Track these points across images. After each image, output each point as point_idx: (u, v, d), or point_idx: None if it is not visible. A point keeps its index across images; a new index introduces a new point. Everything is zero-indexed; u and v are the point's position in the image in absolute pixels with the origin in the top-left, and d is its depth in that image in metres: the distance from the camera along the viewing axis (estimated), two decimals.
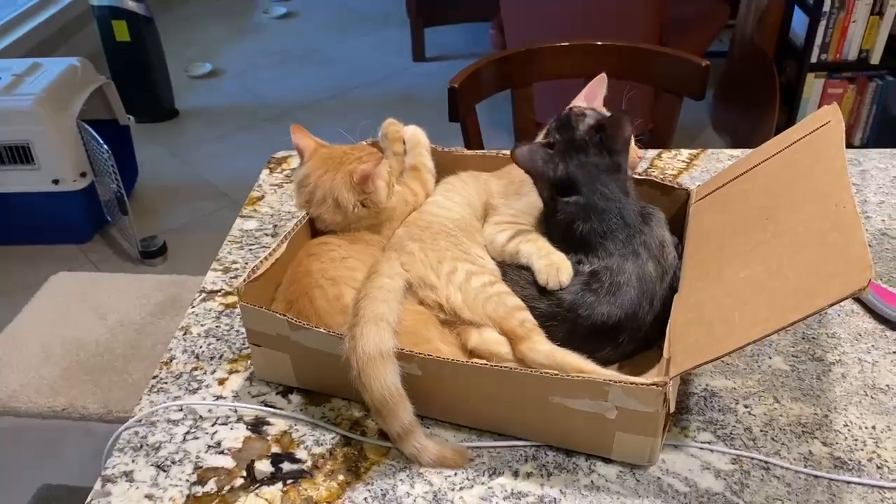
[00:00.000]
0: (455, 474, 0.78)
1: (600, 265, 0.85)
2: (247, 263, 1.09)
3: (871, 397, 0.85)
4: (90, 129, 2.60)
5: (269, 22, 4.78)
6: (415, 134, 1.06)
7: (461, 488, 0.77)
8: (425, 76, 4.07)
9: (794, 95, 2.99)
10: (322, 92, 3.91)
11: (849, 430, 0.81)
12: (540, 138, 0.97)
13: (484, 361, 0.82)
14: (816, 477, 0.76)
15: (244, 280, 0.84)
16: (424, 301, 0.87)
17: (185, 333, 0.98)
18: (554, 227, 0.90)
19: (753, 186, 0.88)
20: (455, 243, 0.92)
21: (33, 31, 3.69)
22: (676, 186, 0.99)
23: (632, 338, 0.85)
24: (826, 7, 2.77)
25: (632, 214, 0.87)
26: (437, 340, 0.84)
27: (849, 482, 0.76)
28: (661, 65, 1.67)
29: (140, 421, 0.86)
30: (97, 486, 0.79)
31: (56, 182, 2.63)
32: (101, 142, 2.54)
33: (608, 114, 0.96)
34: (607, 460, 0.79)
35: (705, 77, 1.63)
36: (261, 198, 1.23)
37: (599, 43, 1.70)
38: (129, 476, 0.80)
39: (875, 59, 2.87)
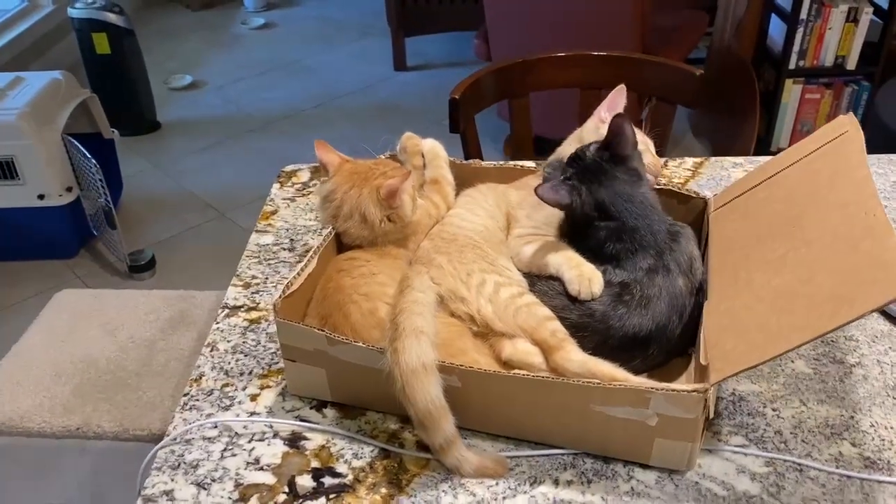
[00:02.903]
0: (496, 484, 0.79)
1: (629, 278, 0.87)
2: (266, 278, 1.09)
3: (894, 398, 0.87)
4: (76, 143, 2.57)
5: (248, 33, 4.76)
6: (433, 147, 1.07)
7: (504, 498, 0.78)
8: (407, 85, 4.08)
9: (772, 101, 3.05)
10: (304, 102, 3.91)
11: (875, 430, 0.84)
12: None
13: (523, 372, 0.83)
14: (849, 477, 0.79)
15: (280, 296, 0.85)
16: (456, 313, 0.88)
17: (211, 350, 0.98)
18: (583, 243, 0.91)
19: (775, 195, 0.91)
20: (481, 255, 0.93)
21: (10, 43, 3.64)
22: (694, 195, 1.02)
23: (661, 349, 0.87)
24: (803, 15, 2.83)
25: (663, 231, 0.89)
26: (472, 352, 0.85)
27: (880, 481, 0.78)
28: (655, 74, 1.70)
29: (175, 439, 0.86)
30: (138, 503, 0.79)
31: (41, 197, 2.60)
32: (89, 156, 2.51)
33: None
34: (645, 466, 0.80)
35: (699, 86, 1.66)
36: (274, 212, 1.24)
37: (595, 53, 1.73)
38: (169, 495, 0.80)
39: (851, 65, 2.95)
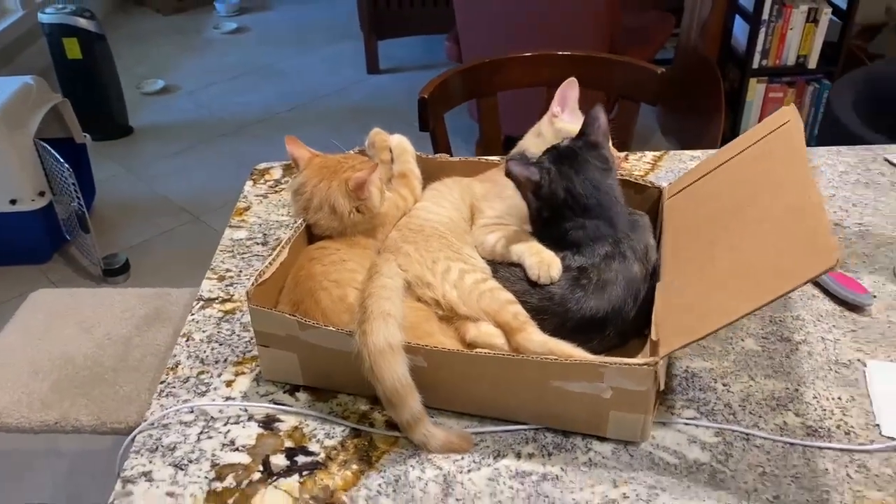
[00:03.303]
0: (462, 458, 0.84)
1: (587, 263, 0.91)
2: (240, 271, 1.13)
3: (836, 372, 0.93)
4: (49, 148, 2.58)
5: (220, 38, 4.77)
6: (401, 143, 1.11)
7: (469, 471, 0.82)
8: (380, 88, 4.12)
9: (737, 100, 3.13)
10: (277, 106, 3.93)
11: (817, 401, 0.89)
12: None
13: (486, 350, 0.87)
14: (792, 444, 0.84)
15: (252, 285, 0.88)
16: (422, 298, 0.92)
17: (187, 340, 1.01)
18: (545, 232, 0.96)
19: (723, 182, 0.96)
20: (447, 244, 0.98)
21: None
22: (649, 185, 1.07)
23: (617, 331, 0.92)
24: (765, 15, 2.91)
25: (623, 221, 0.94)
26: (438, 334, 0.89)
27: (821, 447, 0.83)
28: (619, 73, 1.76)
29: (153, 424, 0.89)
30: (117, 487, 0.82)
31: (13, 202, 2.60)
32: (62, 160, 2.52)
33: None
34: (602, 439, 0.85)
35: (661, 84, 1.72)
36: (247, 208, 1.27)
37: (560, 53, 1.78)
38: (148, 476, 0.83)
39: (812, 63, 3.03)
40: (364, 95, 4.04)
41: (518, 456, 0.84)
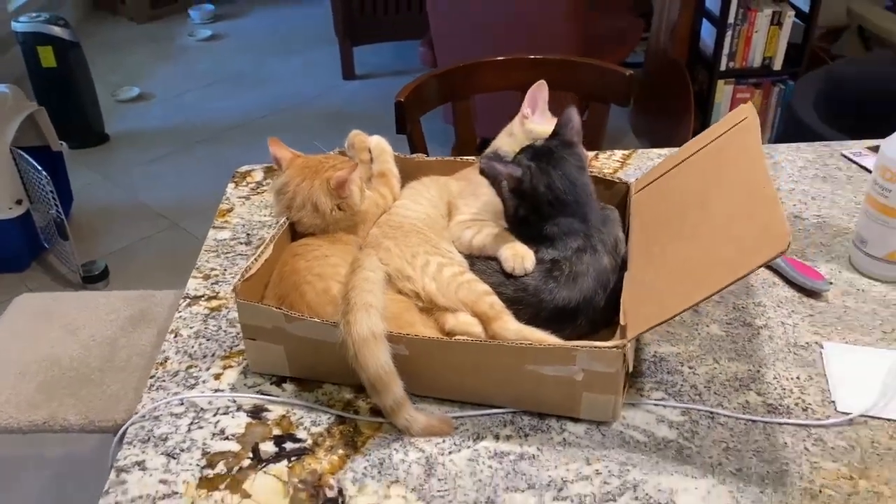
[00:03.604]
0: (443, 441, 0.88)
1: (560, 256, 0.96)
2: (225, 270, 1.16)
3: (794, 353, 0.98)
4: (26, 156, 2.59)
5: (196, 45, 4.79)
6: (379, 143, 1.15)
7: (450, 453, 0.86)
8: (355, 93, 4.16)
9: (706, 101, 3.21)
10: (254, 112, 3.95)
11: (777, 381, 0.94)
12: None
13: (465, 338, 0.91)
14: (753, 421, 0.89)
15: (239, 280, 0.92)
16: (402, 291, 0.97)
17: (175, 336, 1.04)
18: (519, 227, 1.00)
19: (685, 177, 1.01)
20: (425, 239, 1.02)
21: None
22: (617, 181, 1.12)
23: (588, 320, 0.96)
24: (731, 19, 2.99)
25: (596, 217, 0.99)
26: (419, 325, 0.93)
27: (780, 423, 0.89)
28: (589, 75, 1.81)
29: (144, 416, 0.92)
30: (112, 476, 0.85)
31: None
32: (39, 168, 2.53)
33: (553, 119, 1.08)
34: (576, 420, 0.90)
35: (630, 86, 1.78)
36: (230, 210, 1.30)
37: (532, 57, 1.84)
38: (141, 465, 0.86)
39: (777, 65, 3.12)
40: (340, 100, 4.08)
41: (496, 438, 0.88)
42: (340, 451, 0.87)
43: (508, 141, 1.13)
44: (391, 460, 0.86)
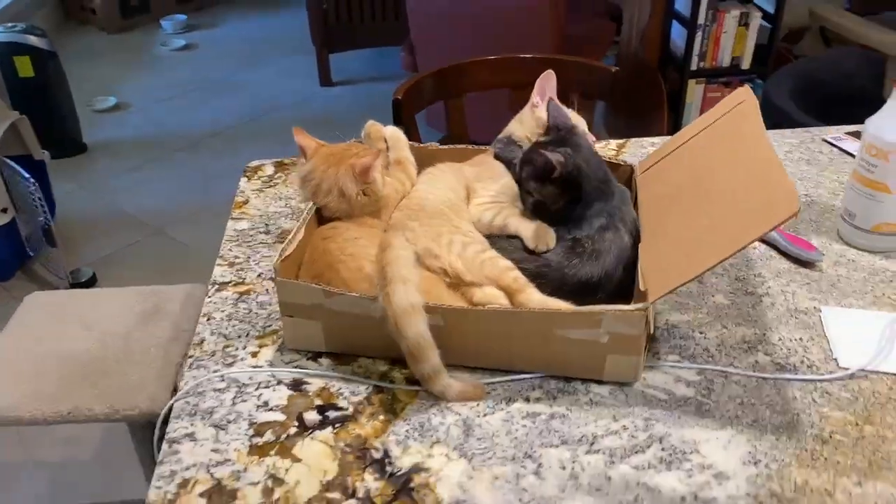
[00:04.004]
0: (477, 405, 0.93)
1: (582, 234, 1.01)
2: (248, 258, 1.20)
3: (795, 318, 1.06)
4: (11, 164, 2.59)
5: (170, 54, 4.79)
6: (394, 133, 1.20)
7: (485, 415, 0.92)
8: (333, 100, 4.20)
9: (678, 100, 3.32)
10: (231, 120, 3.97)
11: (782, 343, 1.01)
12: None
13: (497, 305, 0.97)
14: (764, 379, 0.96)
15: (278, 260, 0.96)
16: (430, 268, 1.02)
17: (208, 319, 1.08)
18: (542, 209, 1.04)
19: (689, 157, 1.08)
20: (447, 220, 1.07)
21: None
22: (622, 163, 1.19)
23: (606, 294, 1.02)
24: (701, 20, 3.10)
25: (617, 195, 1.04)
26: (448, 299, 0.98)
27: (788, 379, 0.96)
28: (576, 73, 1.88)
29: (188, 392, 0.96)
30: (164, 447, 0.89)
31: None
32: (26, 175, 2.54)
33: (566, 110, 1.14)
34: (600, 382, 0.96)
35: (616, 82, 1.86)
36: (245, 202, 1.35)
37: (522, 56, 1.91)
38: (191, 437, 0.90)
39: (745, 64, 3.24)
40: (318, 107, 4.12)
41: (527, 400, 0.94)
42: (381, 417, 0.92)
43: (519, 127, 1.19)
44: (430, 423, 0.91)
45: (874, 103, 1.15)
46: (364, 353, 1.00)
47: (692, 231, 0.94)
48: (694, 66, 3.23)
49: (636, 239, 1.03)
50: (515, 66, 1.90)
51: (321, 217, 1.10)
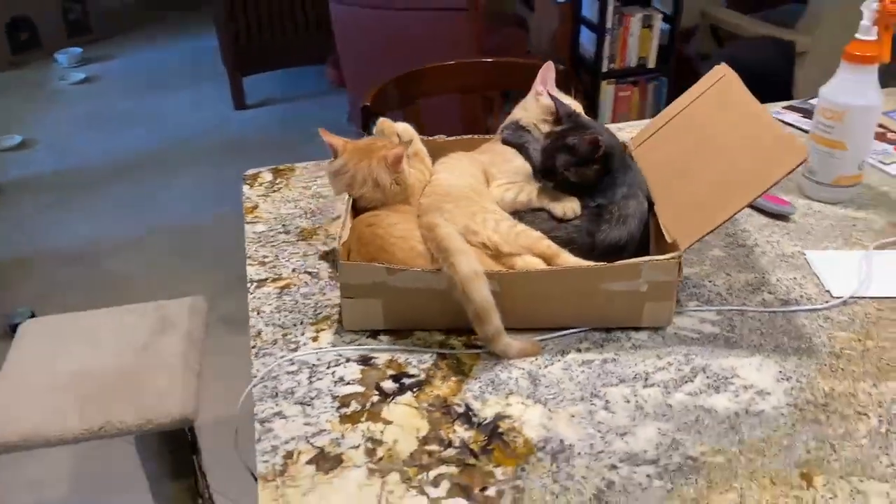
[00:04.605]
0: (535, 360, 1.03)
1: (606, 202, 1.12)
2: (277, 256, 1.25)
3: (786, 261, 1.21)
4: None
5: (70, 88, 4.65)
6: (406, 128, 1.29)
7: (546, 367, 1.01)
8: (250, 122, 4.21)
9: (592, 101, 3.53)
10: (145, 150, 3.91)
11: (780, 282, 1.16)
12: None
13: (549, 267, 1.06)
14: (774, 312, 1.10)
15: (339, 244, 1.03)
16: (470, 244, 1.10)
17: (258, 313, 1.13)
18: (568, 184, 1.14)
19: (681, 129, 1.21)
20: (474, 202, 1.16)
21: None
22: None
23: (629, 255, 1.13)
24: (608, 24, 3.33)
25: (635, 166, 1.16)
26: (493, 268, 1.07)
27: (794, 311, 1.10)
28: (524, 74, 2.01)
29: (263, 378, 1.01)
30: (257, 426, 0.94)
31: None
32: None
33: (566, 99, 1.26)
34: (637, 329, 1.07)
35: (568, 80, 2.00)
36: (255, 207, 1.39)
37: (475, 61, 2.03)
38: (280, 415, 0.95)
39: (651, 64, 3.49)
40: (235, 130, 4.11)
41: (579, 351, 1.04)
42: (453, 379, 1.00)
43: (525, 114, 1.30)
44: (500, 378, 1.00)
45: (787, 84, 1.31)
46: (421, 326, 1.08)
47: (706, 187, 1.07)
48: (605, 68, 3.44)
49: (651, 203, 1.15)
50: (469, 70, 2.02)
51: (355, 209, 1.17)
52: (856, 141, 1.30)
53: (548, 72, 1.32)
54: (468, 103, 2.17)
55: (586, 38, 3.56)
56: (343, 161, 1.17)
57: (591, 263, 1.06)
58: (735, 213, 1.00)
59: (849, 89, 1.28)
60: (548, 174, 1.14)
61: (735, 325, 1.08)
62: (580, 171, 1.11)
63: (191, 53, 5.00)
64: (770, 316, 1.10)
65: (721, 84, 1.20)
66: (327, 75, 3.46)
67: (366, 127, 1.86)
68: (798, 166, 0.96)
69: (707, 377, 0.99)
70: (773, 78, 1.45)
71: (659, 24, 3.39)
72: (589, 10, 3.48)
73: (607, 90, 3.52)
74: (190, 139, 4.01)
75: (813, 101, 1.67)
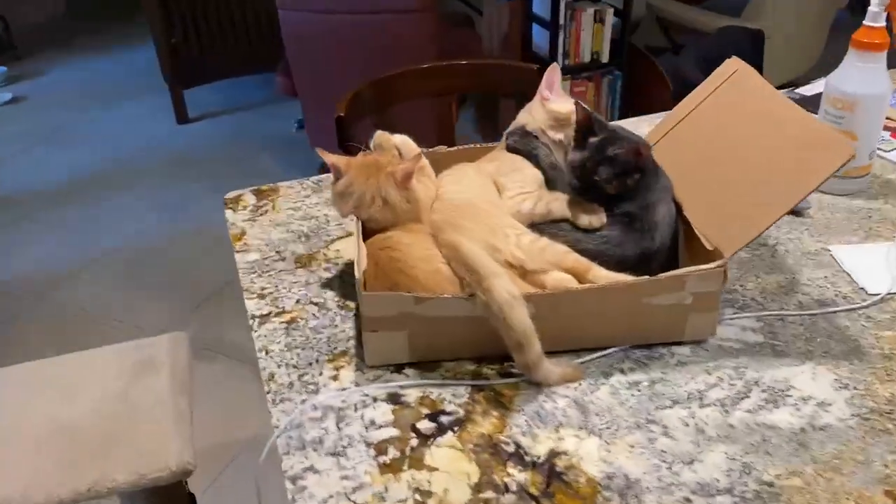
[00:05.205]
0: (578, 385, 0.95)
1: (633, 208, 1.06)
2: (276, 287, 1.15)
3: (811, 259, 1.17)
4: None
5: None
6: (405, 141, 1.20)
7: (591, 392, 0.94)
8: (194, 136, 4.04)
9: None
10: (86, 171, 3.71)
11: (812, 282, 1.12)
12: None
13: (589, 284, 0.99)
14: (814, 315, 1.05)
15: (361, 275, 0.94)
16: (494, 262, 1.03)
17: (266, 353, 1.03)
18: (597, 192, 1.06)
19: (701, 125, 1.15)
20: (490, 216, 1.09)
21: None
22: None
23: (659, 264, 1.07)
24: (561, 21, 3.29)
25: (661, 172, 1.09)
26: (529, 289, 1.00)
27: (834, 312, 1.06)
28: (500, 75, 1.95)
29: (286, 427, 0.91)
30: (288, 485, 0.84)
31: None
32: None
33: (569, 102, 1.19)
34: (677, 343, 1.01)
35: (538, 79, 1.94)
36: (242, 234, 1.28)
37: (446, 64, 1.95)
38: (312, 469, 0.86)
39: (604, 58, 3.46)
40: (179, 145, 3.94)
41: (622, 372, 0.97)
42: (495, 413, 0.92)
43: (532, 120, 1.22)
44: (545, 409, 0.92)
45: (759, 71, 1.25)
46: (449, 356, 0.99)
47: (741, 187, 1.02)
48: (560, 65, 3.40)
49: (678, 207, 1.09)
50: (441, 74, 1.94)
51: (365, 230, 1.08)
52: (867, 130, 1.26)
53: (553, 75, 1.25)
54: (439, 108, 2.10)
55: (539, 36, 3.51)
56: (348, 180, 1.07)
57: (631, 278, 0.99)
58: (781, 216, 0.95)
59: (858, 78, 1.25)
60: (587, 190, 1.06)
61: (777, 331, 1.03)
62: (621, 181, 1.04)
63: (127, 66, 4.78)
64: (811, 319, 1.05)
65: (737, 78, 1.14)
66: (277, 84, 3.33)
67: (342, 140, 1.76)
68: (845, 164, 0.91)
69: (762, 391, 0.94)
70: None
71: (610, 18, 3.36)
72: (540, 7, 3.44)
73: (563, 86, 3.48)
74: (132, 157, 3.82)
75: (803, 91, 1.65)
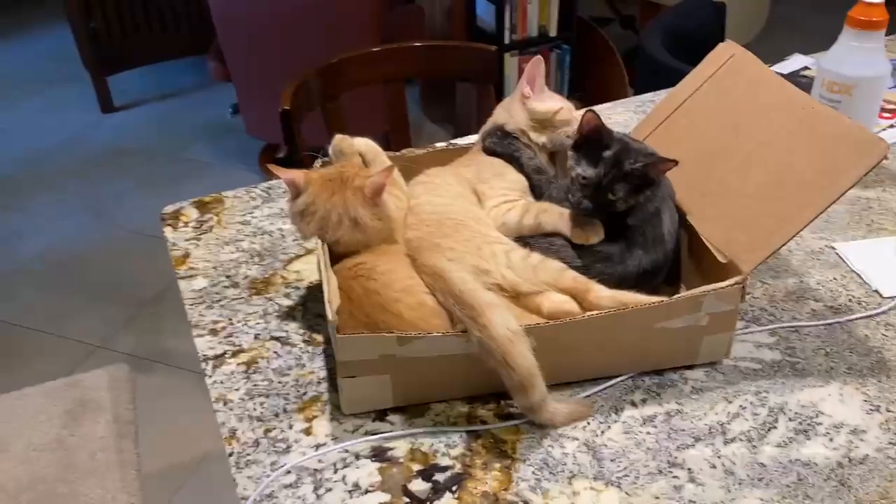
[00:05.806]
0: (586, 424, 0.85)
1: (636, 219, 0.93)
2: (230, 319, 1.01)
3: (817, 259, 1.08)
4: None
5: None
6: (369, 144, 1.06)
7: (602, 432, 0.84)
8: (121, 126, 3.77)
9: (497, 76, 3.35)
10: (4, 169, 3.43)
11: (822, 285, 1.03)
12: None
13: (595, 312, 0.87)
14: (830, 325, 0.96)
15: (334, 318, 0.80)
16: (484, 286, 0.90)
17: (224, 404, 0.89)
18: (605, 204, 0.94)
19: (697, 116, 1.05)
20: (474, 230, 0.96)
21: None
22: None
23: (662, 277, 0.96)
24: None
25: (666, 181, 0.98)
26: (525, 316, 0.88)
27: (851, 320, 0.97)
28: (456, 58, 1.81)
29: (257, 500, 0.78)
30: None
31: None
32: None
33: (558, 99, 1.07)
34: (689, 367, 0.91)
35: (498, 61, 1.81)
36: (186, 256, 1.13)
37: (397, 46, 1.80)
38: None
39: (552, 32, 3.34)
40: (106, 137, 3.68)
41: (633, 405, 0.87)
42: (497, 465, 0.80)
43: (510, 119, 1.09)
44: (553, 457, 0.81)
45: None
46: (437, 398, 0.87)
47: (756, 189, 0.91)
48: (507, 40, 3.27)
49: (681, 213, 0.98)
50: (393, 56, 1.78)
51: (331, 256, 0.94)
52: (864, 114, 1.18)
53: (536, 69, 1.11)
54: (390, 94, 1.95)
55: (483, 10, 3.37)
56: (309, 198, 0.93)
57: (642, 299, 0.88)
58: (808, 224, 0.85)
59: (855, 59, 1.16)
60: (601, 209, 0.94)
61: (794, 345, 0.94)
62: (634, 197, 0.93)
63: (40, 54, 4.44)
64: (827, 329, 0.96)
65: (735, 65, 1.04)
66: (210, 69, 3.11)
67: (289, 137, 1.61)
68: (878, 164, 0.82)
69: (790, 419, 0.84)
70: (711, 41, 1.33)
71: None
72: None
73: (511, 62, 3.36)
74: (50, 153, 3.54)
75: (778, 69, 1.56)
